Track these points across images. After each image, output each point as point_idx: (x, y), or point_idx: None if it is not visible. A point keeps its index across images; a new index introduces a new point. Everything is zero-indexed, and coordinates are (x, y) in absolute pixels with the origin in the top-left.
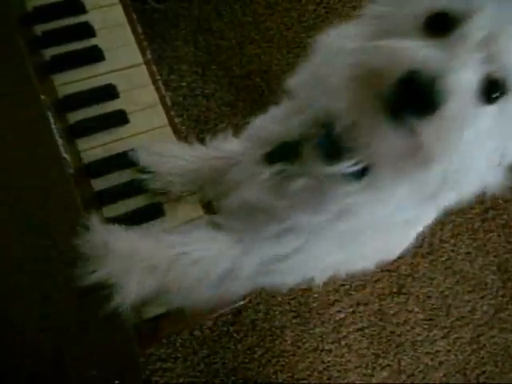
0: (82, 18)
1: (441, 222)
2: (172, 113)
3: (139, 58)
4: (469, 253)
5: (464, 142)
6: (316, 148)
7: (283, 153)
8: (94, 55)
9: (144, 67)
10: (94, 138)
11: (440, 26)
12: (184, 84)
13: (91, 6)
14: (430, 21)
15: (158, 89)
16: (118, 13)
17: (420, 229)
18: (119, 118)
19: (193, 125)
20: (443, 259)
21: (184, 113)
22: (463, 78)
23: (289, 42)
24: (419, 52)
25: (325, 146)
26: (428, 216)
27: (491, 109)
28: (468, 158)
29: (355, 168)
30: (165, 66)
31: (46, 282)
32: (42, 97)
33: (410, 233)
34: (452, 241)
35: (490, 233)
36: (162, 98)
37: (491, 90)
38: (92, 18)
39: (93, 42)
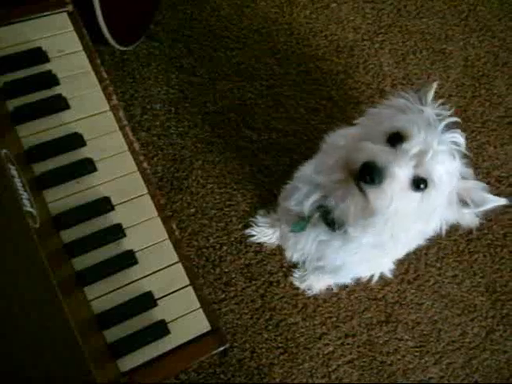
0: (46, 67)
1: (426, 247)
2: (141, 157)
3: (105, 105)
4: (455, 275)
5: (395, 207)
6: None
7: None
8: (59, 104)
9: (110, 113)
10: (61, 188)
11: (394, 140)
12: (158, 123)
13: (54, 54)
14: (389, 136)
15: (125, 134)
16: (82, 59)
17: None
18: (87, 167)
19: (169, 164)
20: (430, 284)
21: (159, 152)
22: (399, 172)
23: (261, 74)
24: (378, 152)
25: (324, 218)
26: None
27: (416, 195)
28: (402, 222)
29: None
30: (137, 106)
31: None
32: (4, 150)
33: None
34: (438, 264)
35: (475, 254)
36: (130, 144)
37: (418, 184)
38: (55, 66)
39: (57, 90)
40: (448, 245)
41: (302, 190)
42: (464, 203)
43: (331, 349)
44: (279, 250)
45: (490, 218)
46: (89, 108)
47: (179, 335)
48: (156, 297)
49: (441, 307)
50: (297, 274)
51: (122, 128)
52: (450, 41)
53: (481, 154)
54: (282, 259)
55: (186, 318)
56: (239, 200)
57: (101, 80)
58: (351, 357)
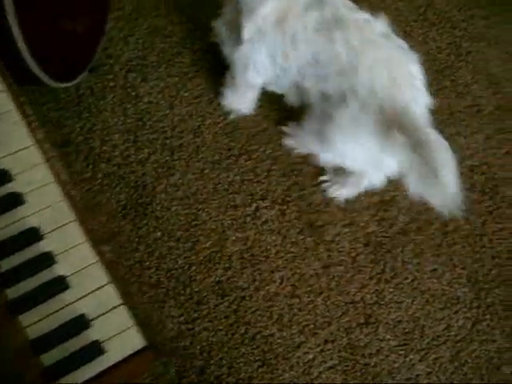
0: None
1: (401, 244)
2: (68, 186)
3: (30, 140)
4: (435, 270)
5: None
6: None
7: None
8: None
9: (34, 147)
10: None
11: None
12: (117, 153)
13: None
14: None
15: (51, 166)
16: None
17: None
18: (15, 202)
19: (131, 191)
20: (408, 281)
21: (121, 181)
22: None
23: (217, 95)
24: None
25: None
26: None
27: None
28: None
29: None
30: (96, 138)
31: None
32: None
33: None
34: (415, 261)
35: (454, 246)
36: (56, 175)
37: None
38: None
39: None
40: (424, 240)
41: None
42: None
43: (311, 356)
44: (250, 264)
45: (466, 208)
46: (13, 145)
47: (114, 353)
48: (89, 318)
49: (422, 303)
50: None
51: (48, 160)
52: (408, 37)
53: (451, 145)
54: (254, 272)
55: (120, 336)
56: (205, 219)
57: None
58: (332, 362)
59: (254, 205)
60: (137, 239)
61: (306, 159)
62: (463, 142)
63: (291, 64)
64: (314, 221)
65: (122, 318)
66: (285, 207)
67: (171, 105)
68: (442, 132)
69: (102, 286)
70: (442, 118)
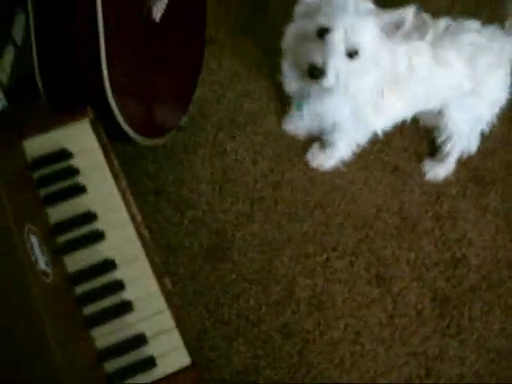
0: (69, 162)
1: (469, 301)
2: (142, 229)
3: (115, 189)
4: (504, 329)
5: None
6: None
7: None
8: (79, 190)
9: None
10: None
11: (323, 32)
12: (203, 201)
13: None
14: (318, 30)
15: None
16: (100, 158)
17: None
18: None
19: (213, 237)
20: (474, 337)
21: (204, 227)
22: (333, 61)
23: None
24: (314, 53)
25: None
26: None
27: (356, 61)
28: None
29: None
30: (185, 188)
31: None
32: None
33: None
34: (483, 318)
35: None
36: (133, 217)
37: (352, 55)
38: (78, 161)
39: (78, 179)
40: (494, 298)
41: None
42: (392, 31)
43: None
44: (317, 309)
45: None
46: (102, 194)
47: (164, 367)
48: (147, 336)
49: (487, 361)
50: (309, 153)
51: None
52: None
53: None
54: (320, 317)
55: (170, 354)
56: (278, 265)
57: (115, 177)
58: None
59: (325, 255)
60: (214, 279)
61: (377, 215)
62: None
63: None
64: (383, 273)
65: (175, 338)
66: (354, 258)
67: (254, 161)
68: None
69: (161, 312)
70: None
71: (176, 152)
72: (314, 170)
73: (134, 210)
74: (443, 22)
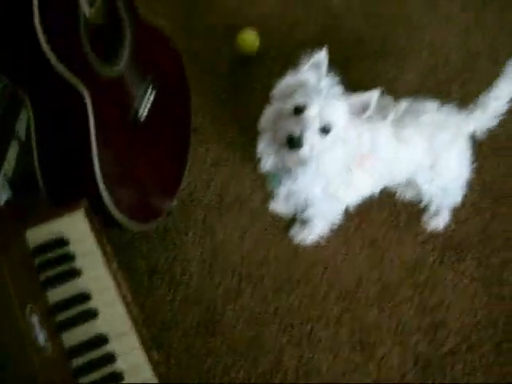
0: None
1: (450, 363)
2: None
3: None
4: None
5: (317, 150)
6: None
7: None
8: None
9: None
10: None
11: (299, 110)
12: (194, 279)
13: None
14: (295, 109)
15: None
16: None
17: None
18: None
19: (203, 312)
20: None
21: (195, 303)
22: (309, 134)
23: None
24: (291, 126)
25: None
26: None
27: (328, 136)
28: (327, 156)
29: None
30: (178, 266)
31: None
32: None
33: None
34: (465, 378)
35: (506, 366)
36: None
37: (325, 130)
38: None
39: (73, 265)
40: (475, 359)
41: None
42: (359, 112)
43: None
44: (304, 377)
45: None
46: (95, 276)
47: None
48: None
49: None
50: (292, 230)
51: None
52: None
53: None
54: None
55: None
56: (266, 337)
57: (107, 260)
58: None
59: (310, 325)
60: (206, 352)
61: (358, 285)
62: None
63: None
64: (366, 340)
65: None
66: (338, 327)
67: (242, 239)
68: (496, 257)
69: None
70: (495, 245)
71: (168, 234)
72: (297, 245)
73: (124, 289)
74: (404, 103)
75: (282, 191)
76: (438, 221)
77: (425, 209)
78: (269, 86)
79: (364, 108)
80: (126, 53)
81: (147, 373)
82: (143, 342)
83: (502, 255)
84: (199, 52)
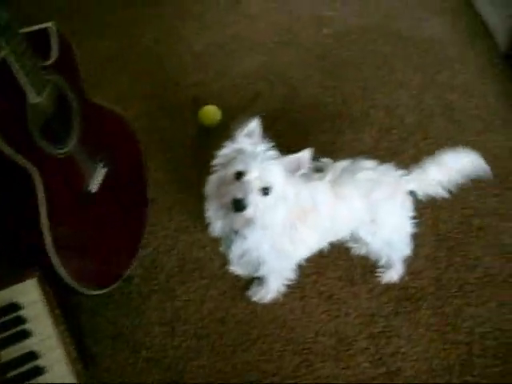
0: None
1: None
2: None
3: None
4: None
5: (260, 210)
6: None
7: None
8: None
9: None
10: None
11: (240, 175)
12: (156, 342)
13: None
14: (236, 174)
15: None
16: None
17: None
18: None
19: (165, 372)
20: None
21: (157, 364)
22: (251, 196)
23: (242, 290)
24: (234, 192)
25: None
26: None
27: (269, 197)
28: (269, 214)
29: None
30: (140, 331)
31: None
32: None
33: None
34: None
35: None
36: None
37: (265, 191)
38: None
39: (23, 327)
40: None
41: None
42: (295, 170)
43: None
44: None
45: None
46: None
47: None
48: None
49: None
50: (250, 290)
51: None
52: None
53: (459, 315)
54: None
55: None
56: None
57: (56, 322)
58: None
59: (268, 381)
60: None
61: (315, 339)
62: (472, 311)
63: None
64: None
65: None
66: (293, 382)
67: (202, 301)
68: (450, 304)
69: None
70: (449, 293)
71: (132, 298)
72: (255, 304)
73: (70, 348)
74: (342, 163)
75: (235, 252)
76: (392, 273)
77: (378, 263)
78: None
79: (299, 166)
80: (75, 135)
81: None
82: None
83: (456, 302)
84: (166, 128)
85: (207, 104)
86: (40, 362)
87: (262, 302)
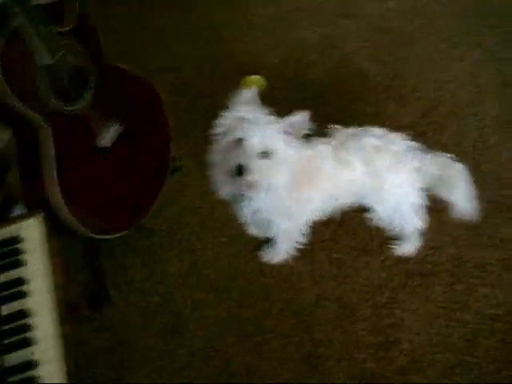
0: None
1: (388, 381)
2: None
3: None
4: None
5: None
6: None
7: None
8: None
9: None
10: None
11: (240, 141)
12: (168, 290)
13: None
14: (237, 141)
15: None
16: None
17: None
18: None
19: (171, 318)
20: None
21: (163, 310)
22: (251, 161)
23: None
24: (236, 158)
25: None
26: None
27: (268, 160)
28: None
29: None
30: (154, 280)
31: None
32: None
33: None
34: None
35: None
36: None
37: (265, 155)
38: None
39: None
40: (422, 382)
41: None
42: (293, 134)
43: None
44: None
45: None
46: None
47: None
48: None
49: None
50: (261, 250)
51: None
52: None
53: (471, 295)
54: None
55: None
56: (220, 344)
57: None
58: None
59: (262, 336)
60: (165, 352)
61: (317, 303)
62: (487, 291)
63: None
64: (314, 353)
65: None
66: (288, 339)
67: (217, 258)
68: (464, 282)
69: None
70: (467, 271)
71: (153, 250)
72: (265, 264)
73: (59, 276)
74: (350, 130)
75: (246, 213)
76: (407, 246)
77: (394, 235)
78: None
79: (299, 128)
80: (88, 96)
81: None
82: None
83: (472, 281)
84: (215, 92)
85: (255, 73)
86: (25, 287)
87: (271, 262)
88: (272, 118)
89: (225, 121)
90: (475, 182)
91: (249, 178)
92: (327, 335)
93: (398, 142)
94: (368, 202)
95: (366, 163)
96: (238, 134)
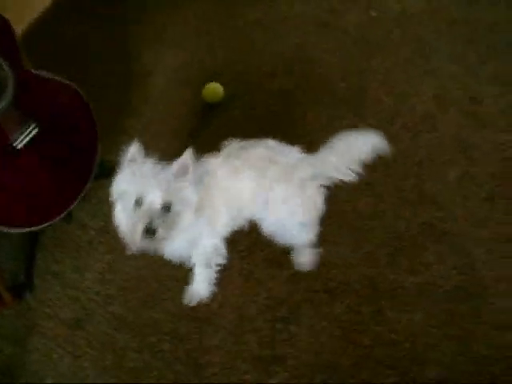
0: None
1: None
2: None
3: None
4: None
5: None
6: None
7: None
8: None
9: None
10: None
11: (138, 202)
12: (86, 284)
13: None
14: (136, 202)
15: None
16: None
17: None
18: None
19: (80, 312)
20: None
21: (75, 303)
22: (153, 220)
23: None
24: (138, 222)
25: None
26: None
27: (172, 213)
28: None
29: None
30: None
31: None
32: None
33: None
34: None
35: None
36: None
37: (166, 209)
38: None
39: None
40: None
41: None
42: (183, 173)
43: None
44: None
45: None
46: None
47: None
48: None
49: None
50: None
51: None
52: None
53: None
54: None
55: None
56: (120, 340)
57: None
58: None
59: (158, 337)
60: (71, 347)
61: (217, 312)
62: (393, 316)
63: None
64: (200, 359)
65: None
66: (180, 343)
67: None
68: (371, 305)
69: None
70: (377, 294)
71: (81, 246)
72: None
73: None
74: (242, 142)
75: (167, 254)
76: (301, 260)
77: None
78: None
79: (187, 168)
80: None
81: None
82: None
83: (381, 304)
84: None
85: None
86: None
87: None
88: (161, 166)
89: (118, 185)
90: (411, 201)
91: (157, 235)
92: (218, 343)
93: (290, 154)
94: (257, 215)
95: (255, 174)
96: (135, 195)
